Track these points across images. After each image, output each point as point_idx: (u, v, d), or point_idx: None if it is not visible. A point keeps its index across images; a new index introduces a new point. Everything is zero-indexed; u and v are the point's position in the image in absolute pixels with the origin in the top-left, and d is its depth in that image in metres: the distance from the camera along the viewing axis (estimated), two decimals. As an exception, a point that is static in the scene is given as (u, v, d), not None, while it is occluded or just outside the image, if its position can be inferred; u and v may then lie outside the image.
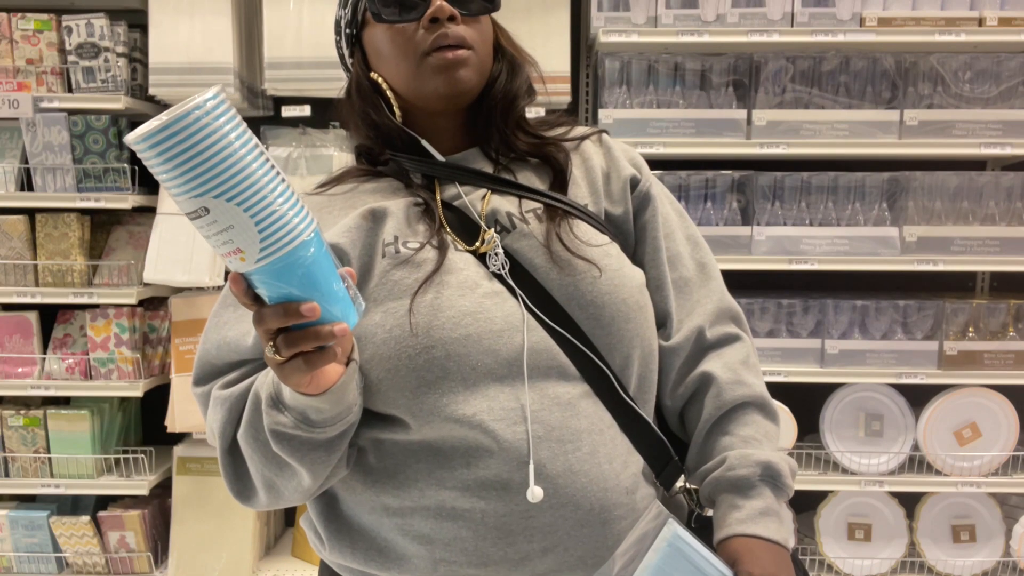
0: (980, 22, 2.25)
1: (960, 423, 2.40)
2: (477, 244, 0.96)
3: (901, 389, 2.41)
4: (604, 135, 1.10)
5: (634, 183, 1.05)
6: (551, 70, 2.30)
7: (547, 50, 2.31)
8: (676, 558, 0.84)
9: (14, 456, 2.47)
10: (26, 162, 2.41)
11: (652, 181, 1.07)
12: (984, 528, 2.48)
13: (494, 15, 1.03)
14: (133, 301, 2.39)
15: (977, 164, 2.53)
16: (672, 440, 1.02)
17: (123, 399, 2.57)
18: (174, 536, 2.52)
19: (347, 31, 1.05)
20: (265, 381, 0.87)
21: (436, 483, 0.90)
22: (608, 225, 1.02)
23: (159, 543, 2.56)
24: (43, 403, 2.55)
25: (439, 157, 1.01)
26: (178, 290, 2.48)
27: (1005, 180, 2.34)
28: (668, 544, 0.84)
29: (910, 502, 2.49)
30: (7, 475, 2.49)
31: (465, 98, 0.99)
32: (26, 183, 2.44)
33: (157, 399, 2.50)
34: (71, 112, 2.38)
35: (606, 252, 0.97)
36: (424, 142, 1.00)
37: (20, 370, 2.48)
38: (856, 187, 2.32)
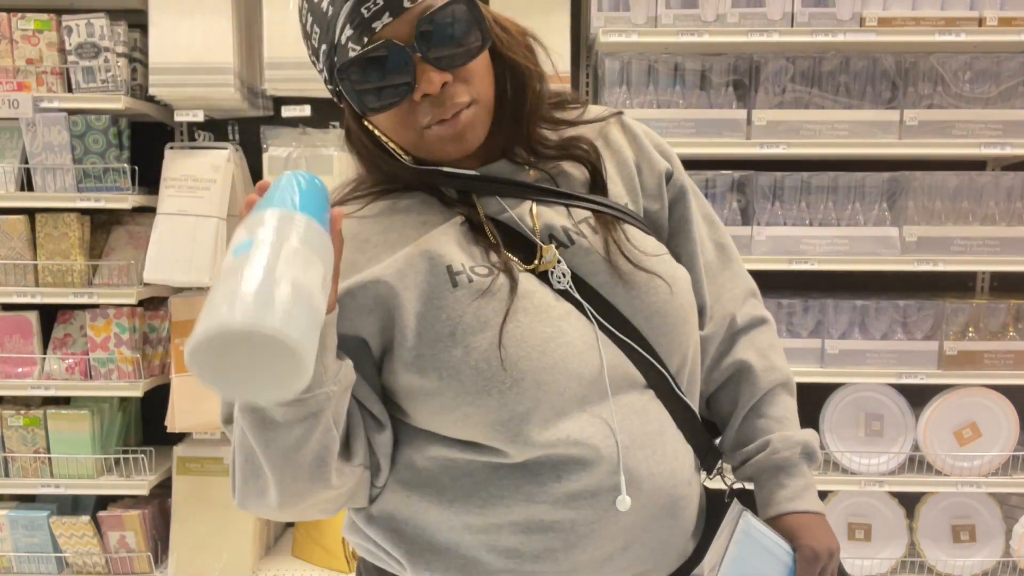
0: (980, 22, 2.25)
1: (960, 423, 2.40)
2: (536, 262, 0.92)
3: (901, 389, 2.41)
4: (624, 117, 1.06)
5: (668, 176, 1.03)
6: (551, 70, 2.30)
7: (547, 50, 2.31)
8: (750, 544, 0.93)
9: (14, 456, 2.47)
10: (26, 162, 2.41)
11: (682, 170, 1.06)
12: (984, 528, 2.48)
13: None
14: (133, 301, 2.39)
15: (977, 164, 2.53)
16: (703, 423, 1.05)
17: (123, 399, 2.57)
18: (174, 536, 2.52)
19: (325, 79, 0.92)
20: None
21: (525, 499, 0.89)
22: (647, 222, 1.01)
23: (159, 543, 2.56)
24: (43, 403, 2.55)
25: (470, 172, 0.94)
26: (178, 290, 2.48)
27: (1005, 180, 2.34)
28: (744, 534, 0.92)
29: (910, 502, 2.49)
30: (7, 475, 2.49)
31: (472, 152, 0.93)
32: (26, 183, 2.44)
33: (157, 399, 2.50)
34: (71, 112, 2.38)
35: (664, 261, 0.97)
36: (447, 168, 0.93)
37: (20, 370, 2.48)
38: (856, 187, 2.32)
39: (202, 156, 2.41)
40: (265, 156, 2.40)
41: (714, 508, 1.01)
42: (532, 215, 0.94)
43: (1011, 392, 2.39)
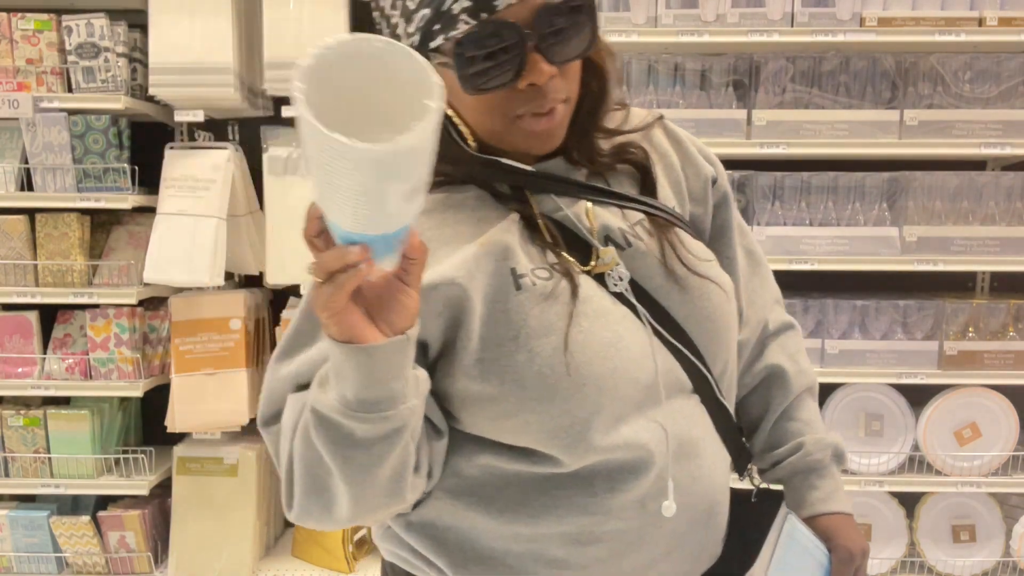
0: (980, 22, 2.25)
1: (960, 423, 2.40)
2: (593, 263, 0.90)
3: (901, 389, 2.41)
4: (666, 121, 1.05)
5: (713, 181, 1.03)
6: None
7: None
8: (794, 547, 0.95)
9: (14, 456, 2.47)
10: (26, 162, 2.41)
11: (725, 175, 1.06)
12: (984, 528, 2.48)
13: None
14: (133, 301, 2.39)
15: (977, 164, 2.53)
16: None
17: (123, 399, 2.57)
18: (174, 536, 2.51)
19: (414, 43, 0.87)
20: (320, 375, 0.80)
21: (578, 510, 0.88)
22: (691, 227, 1.01)
23: (159, 543, 2.56)
24: (43, 403, 2.55)
25: (528, 168, 0.91)
26: (178, 290, 2.48)
27: (1005, 180, 2.34)
28: (789, 536, 0.95)
29: (910, 502, 2.49)
30: (7, 475, 2.49)
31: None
32: (26, 183, 2.44)
33: (157, 399, 2.50)
34: (71, 112, 2.38)
35: (715, 266, 0.97)
36: (506, 160, 0.90)
37: (20, 370, 2.48)
38: (856, 187, 2.32)
39: (202, 156, 2.41)
40: (265, 156, 2.40)
41: (737, 508, 1.01)
42: (588, 215, 0.92)
43: (1011, 392, 2.39)
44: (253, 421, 2.51)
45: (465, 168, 0.91)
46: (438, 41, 0.82)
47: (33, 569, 2.52)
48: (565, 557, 0.89)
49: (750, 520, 0.98)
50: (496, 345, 0.85)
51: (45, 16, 2.36)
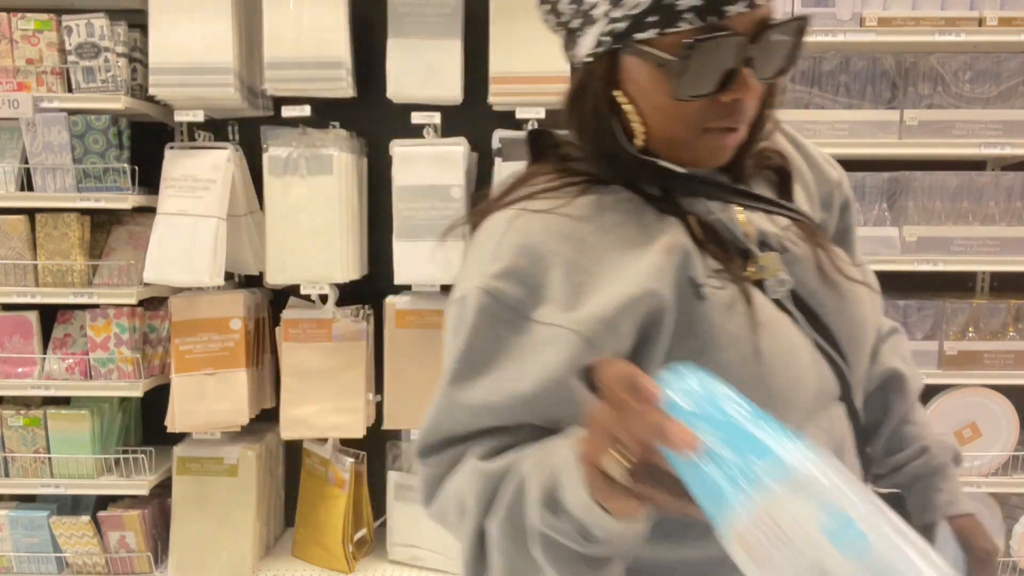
0: (980, 22, 2.25)
1: (960, 423, 2.40)
2: (752, 269, 0.86)
3: (901, 389, 2.40)
4: (784, 126, 1.02)
5: (838, 186, 1.02)
6: (551, 70, 2.30)
7: (547, 50, 2.31)
8: (948, 553, 0.96)
9: (14, 456, 2.47)
10: (26, 162, 2.41)
11: (847, 179, 1.04)
12: (984, 528, 2.47)
13: None
14: (133, 301, 2.39)
15: (977, 164, 2.53)
16: None
17: (123, 399, 2.57)
18: (174, 536, 2.51)
19: (611, 30, 0.80)
20: (536, 471, 0.71)
21: None
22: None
23: (159, 543, 2.56)
24: (43, 403, 2.55)
25: (682, 170, 0.85)
26: (178, 290, 2.48)
27: (1005, 180, 2.34)
28: (940, 546, 0.96)
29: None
30: (7, 475, 2.49)
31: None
32: (26, 183, 2.44)
33: (157, 399, 2.50)
34: (71, 112, 2.37)
35: (863, 271, 0.95)
36: (662, 162, 0.85)
37: (20, 370, 2.48)
38: (856, 187, 2.32)
39: (202, 156, 2.41)
40: (265, 156, 2.40)
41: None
42: (742, 220, 0.88)
43: (1011, 392, 2.39)
44: (253, 421, 2.51)
45: (613, 167, 0.86)
46: (648, 34, 0.77)
47: (33, 569, 2.52)
48: None
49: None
50: (683, 358, 0.78)
51: (45, 16, 2.36)
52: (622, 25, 0.78)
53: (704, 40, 0.75)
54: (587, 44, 0.83)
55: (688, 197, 0.87)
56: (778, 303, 0.86)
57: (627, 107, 0.83)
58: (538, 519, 0.69)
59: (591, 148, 0.86)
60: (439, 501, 0.82)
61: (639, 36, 0.77)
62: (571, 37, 0.86)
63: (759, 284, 0.85)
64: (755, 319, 0.81)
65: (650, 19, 0.76)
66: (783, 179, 0.94)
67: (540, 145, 0.95)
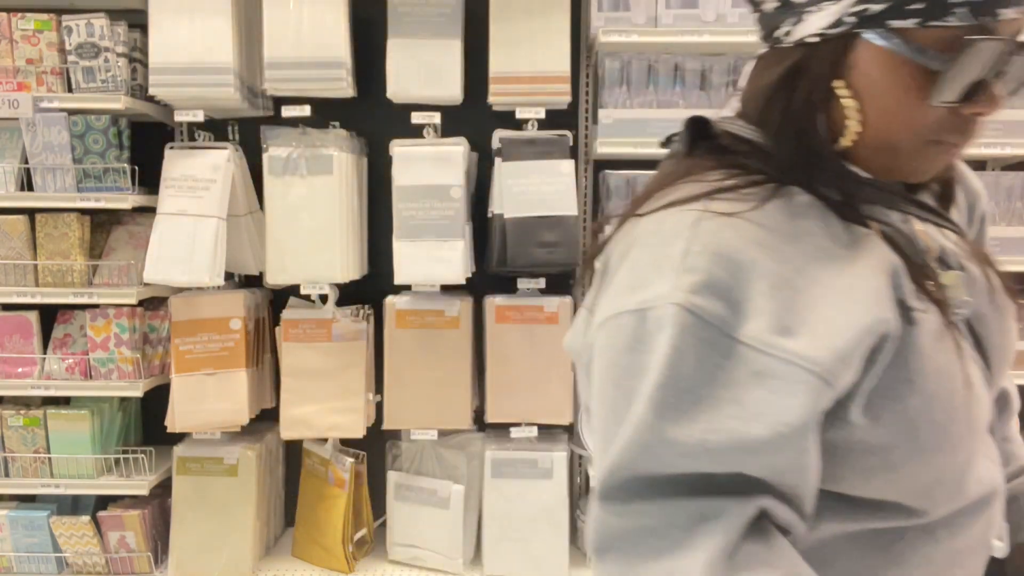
0: (980, 22, 2.25)
1: (960, 423, 2.40)
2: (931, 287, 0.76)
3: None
4: None
5: (980, 198, 0.95)
6: (551, 70, 2.30)
7: (547, 50, 2.31)
8: None
9: (14, 456, 2.47)
10: (26, 162, 2.41)
11: (985, 192, 0.97)
12: (984, 528, 2.47)
13: None
14: (133, 301, 2.39)
15: (977, 164, 2.53)
16: None
17: (123, 399, 2.57)
18: (174, 536, 2.52)
19: (851, 19, 0.70)
20: None
21: (924, 561, 0.76)
22: None
23: (159, 543, 2.56)
24: (43, 403, 2.55)
25: (865, 175, 0.77)
26: (178, 290, 2.48)
27: (1005, 180, 2.34)
28: None
29: None
30: (7, 475, 2.49)
31: None
32: (26, 183, 2.44)
33: (157, 399, 2.50)
34: (71, 112, 2.38)
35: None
36: (851, 167, 0.77)
37: (20, 370, 2.48)
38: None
39: (202, 156, 2.41)
40: (265, 156, 2.40)
41: None
42: (922, 234, 0.80)
43: (1011, 392, 2.38)
44: (253, 421, 2.51)
45: (800, 167, 0.76)
46: (907, 23, 0.67)
47: (33, 569, 2.52)
48: None
49: None
50: (889, 388, 0.71)
51: (45, 16, 2.36)
52: (878, 7, 0.68)
53: (980, 41, 0.66)
54: (819, 22, 0.72)
55: (867, 204, 0.77)
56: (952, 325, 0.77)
57: (847, 102, 0.73)
58: None
59: (784, 142, 0.76)
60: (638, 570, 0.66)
61: (894, 24, 0.68)
62: (789, 11, 0.74)
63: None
64: (960, 344, 0.74)
65: (913, 6, 0.67)
66: (945, 190, 0.86)
67: (695, 136, 0.84)
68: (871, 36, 0.70)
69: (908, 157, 0.74)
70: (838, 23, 0.70)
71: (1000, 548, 0.80)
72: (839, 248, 0.73)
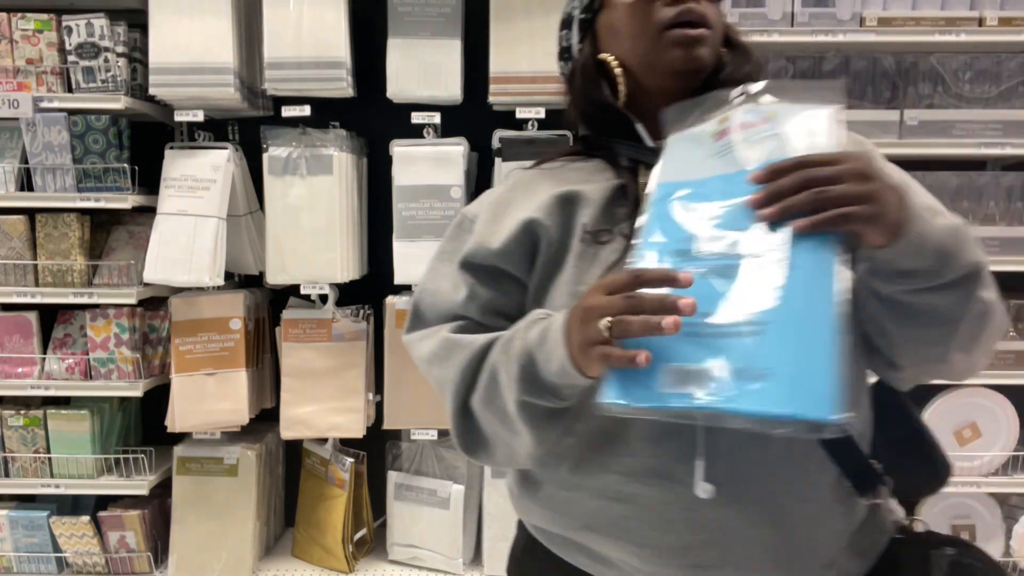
0: (980, 22, 2.25)
1: (960, 423, 2.40)
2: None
3: (901, 389, 2.40)
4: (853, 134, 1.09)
5: None
6: (551, 70, 2.30)
7: (547, 50, 2.31)
8: None
9: (14, 456, 2.47)
10: (26, 162, 2.41)
11: None
12: (984, 528, 2.48)
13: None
14: (133, 301, 2.39)
15: (977, 164, 2.53)
16: None
17: (123, 399, 2.57)
18: (174, 536, 2.52)
19: (581, 16, 1.05)
20: (503, 358, 0.91)
21: (600, 468, 0.95)
22: None
23: (159, 543, 2.56)
24: (43, 403, 2.55)
25: (649, 142, 1.00)
26: (178, 290, 2.48)
27: (1005, 180, 2.34)
28: None
29: (910, 502, 2.49)
30: (7, 475, 2.49)
31: (697, 77, 0.98)
32: (26, 183, 2.44)
33: (157, 399, 2.50)
34: (71, 112, 2.37)
35: None
36: (638, 125, 1.01)
37: (20, 370, 2.48)
38: (856, 187, 2.32)
39: (202, 156, 2.41)
40: (265, 156, 2.40)
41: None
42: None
43: (1011, 392, 2.39)
44: (253, 421, 2.51)
45: (600, 117, 1.03)
46: None
47: (33, 569, 2.52)
48: (595, 510, 0.97)
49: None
50: (545, 281, 0.99)
51: (45, 16, 2.36)
52: (586, 1, 1.03)
53: None
54: (576, 34, 1.06)
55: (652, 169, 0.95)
56: None
57: (608, 58, 1.01)
58: (519, 394, 0.88)
59: (582, 105, 1.05)
60: (437, 378, 1.01)
61: None
62: (565, 44, 1.09)
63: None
64: (615, 269, 0.93)
65: None
66: None
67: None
68: (599, 13, 1.04)
69: (658, 52, 0.96)
70: (581, 24, 1.06)
71: (706, 489, 0.90)
72: (572, 184, 1.02)
